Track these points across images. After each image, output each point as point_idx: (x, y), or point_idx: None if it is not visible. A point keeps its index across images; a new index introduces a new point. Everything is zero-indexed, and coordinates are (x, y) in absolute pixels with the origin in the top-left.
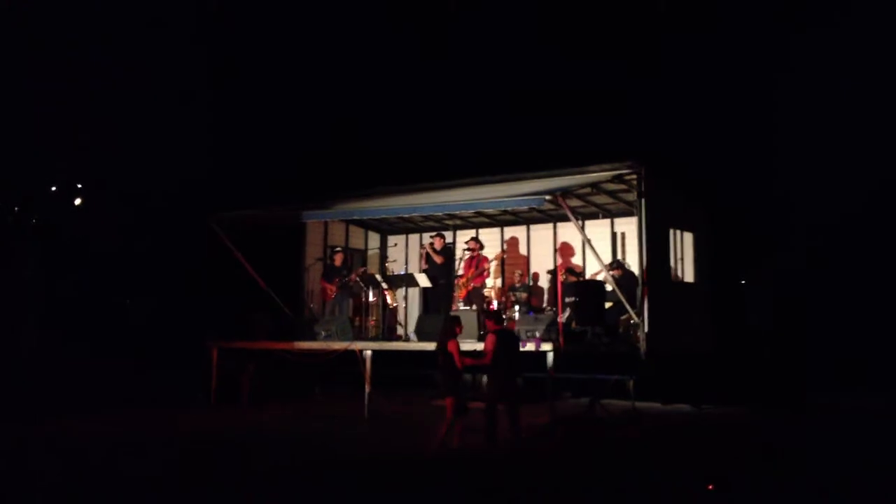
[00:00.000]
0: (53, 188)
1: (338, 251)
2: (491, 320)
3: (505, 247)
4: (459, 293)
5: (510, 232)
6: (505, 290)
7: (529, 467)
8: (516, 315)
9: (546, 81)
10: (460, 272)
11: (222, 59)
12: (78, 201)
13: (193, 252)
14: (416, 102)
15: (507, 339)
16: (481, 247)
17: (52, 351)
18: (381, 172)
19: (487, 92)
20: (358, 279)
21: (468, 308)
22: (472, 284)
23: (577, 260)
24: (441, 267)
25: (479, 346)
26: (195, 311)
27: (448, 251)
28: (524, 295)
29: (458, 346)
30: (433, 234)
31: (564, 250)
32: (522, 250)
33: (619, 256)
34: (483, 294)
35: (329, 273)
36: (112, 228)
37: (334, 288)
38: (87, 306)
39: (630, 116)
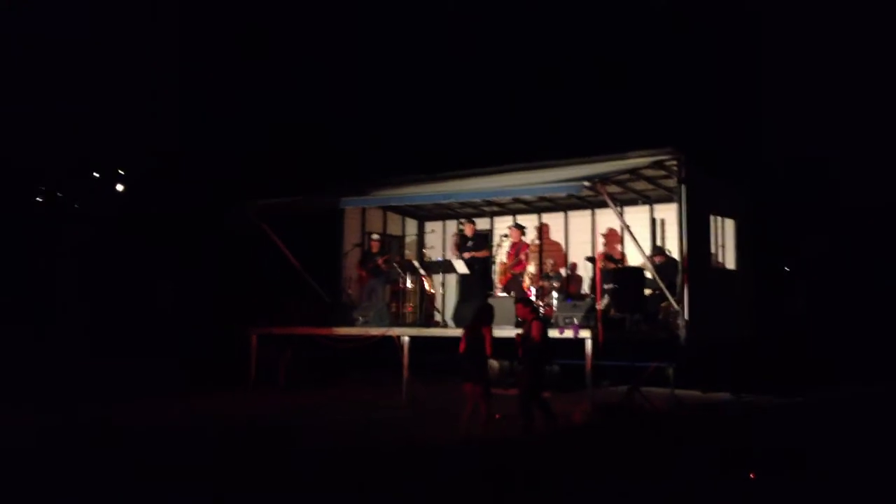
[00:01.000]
0: (96, 175)
1: (375, 238)
2: (528, 307)
3: (535, 234)
4: (500, 280)
5: (547, 218)
6: (539, 278)
7: (569, 455)
8: (554, 302)
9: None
10: (502, 258)
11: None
12: (120, 188)
13: (233, 239)
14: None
15: (546, 328)
16: (523, 233)
17: (91, 337)
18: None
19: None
20: (394, 265)
21: (506, 295)
22: (511, 272)
23: (619, 246)
24: (478, 257)
25: (513, 333)
26: (234, 298)
27: (482, 238)
28: (556, 284)
29: (491, 333)
30: (462, 220)
31: (611, 237)
32: (559, 237)
33: (659, 243)
34: (521, 281)
35: (364, 259)
36: (151, 215)
37: (365, 273)
38: (128, 292)
39: (662, 107)
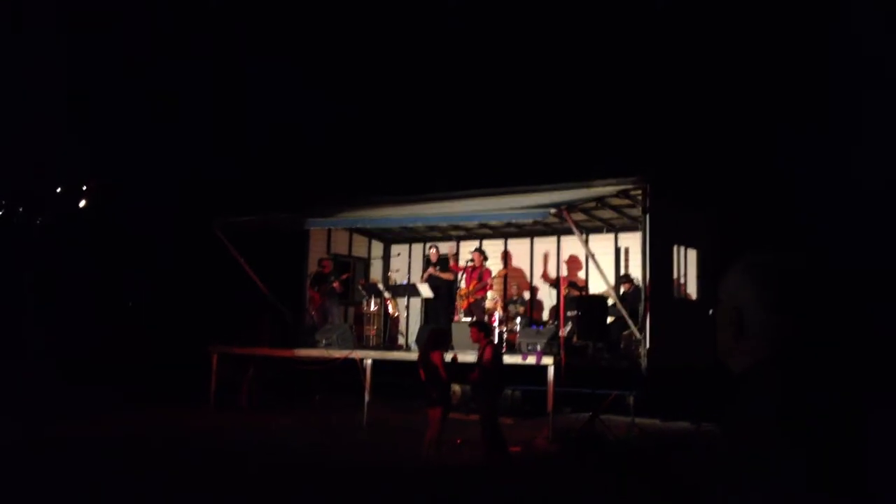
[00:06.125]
0: (59, 190)
1: (327, 259)
2: (483, 332)
3: (504, 263)
4: (461, 304)
5: (513, 244)
6: (504, 304)
7: (530, 481)
8: (517, 328)
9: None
10: (462, 284)
11: (220, 66)
12: (83, 203)
13: (197, 257)
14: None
15: (500, 353)
16: (485, 258)
17: (53, 352)
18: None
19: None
20: (359, 288)
21: (468, 319)
22: (473, 297)
23: (583, 274)
24: (442, 278)
25: (473, 358)
26: (197, 316)
27: (444, 262)
28: (521, 308)
29: (441, 358)
30: (430, 243)
31: (572, 264)
32: (525, 263)
33: (623, 271)
34: (483, 306)
35: (316, 280)
36: (116, 232)
37: (318, 296)
38: (90, 308)
39: (629, 133)
